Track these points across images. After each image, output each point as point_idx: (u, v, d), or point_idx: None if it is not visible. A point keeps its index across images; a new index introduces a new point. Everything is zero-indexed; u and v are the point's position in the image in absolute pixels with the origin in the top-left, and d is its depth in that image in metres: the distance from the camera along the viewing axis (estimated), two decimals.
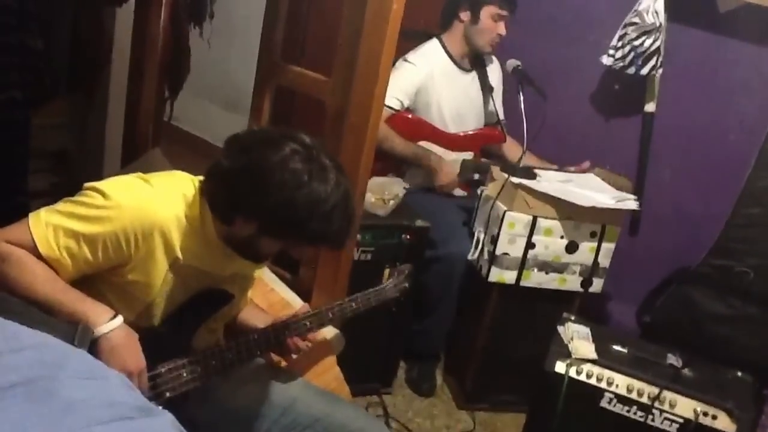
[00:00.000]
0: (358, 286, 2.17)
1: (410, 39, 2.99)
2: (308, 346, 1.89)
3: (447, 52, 3.08)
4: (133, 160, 2.79)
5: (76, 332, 1.37)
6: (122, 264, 1.57)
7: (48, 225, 1.52)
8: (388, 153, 2.93)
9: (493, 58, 3.23)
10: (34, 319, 1.40)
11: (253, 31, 2.75)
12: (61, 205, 1.56)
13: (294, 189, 1.52)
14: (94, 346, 1.46)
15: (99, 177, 1.62)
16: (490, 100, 3.15)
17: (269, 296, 2.30)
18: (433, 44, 3.11)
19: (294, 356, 1.89)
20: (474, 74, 3.14)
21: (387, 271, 2.27)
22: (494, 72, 3.18)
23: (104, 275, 1.59)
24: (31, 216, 1.54)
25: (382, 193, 2.71)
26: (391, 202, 2.73)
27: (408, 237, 2.74)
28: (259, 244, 1.65)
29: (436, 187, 3.04)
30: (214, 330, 1.83)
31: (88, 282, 1.58)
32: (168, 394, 1.62)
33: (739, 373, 2.67)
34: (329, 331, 2.25)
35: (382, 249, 2.69)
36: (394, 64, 2.81)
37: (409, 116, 3.02)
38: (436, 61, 3.07)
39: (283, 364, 2.02)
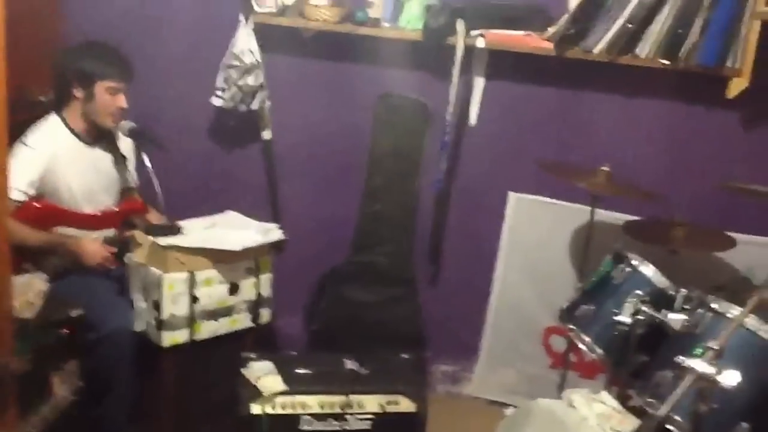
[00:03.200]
0: (27, 397, 2.05)
1: (22, 112, 2.75)
2: None
3: (69, 128, 2.88)
4: None
5: None
6: None
7: None
8: (20, 247, 2.70)
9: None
10: None
11: None
12: None
13: None
14: None
15: None
16: (125, 171, 3.03)
17: None
18: (53, 121, 2.87)
19: None
20: (103, 147, 2.99)
21: (57, 379, 2.16)
22: (124, 140, 3.04)
23: None
24: None
25: (26, 293, 2.52)
26: (38, 300, 2.56)
27: (66, 330, 2.60)
28: None
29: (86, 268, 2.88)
30: None
31: None
32: None
33: (404, 355, 3.00)
34: None
35: (41, 352, 2.50)
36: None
37: (37, 205, 2.79)
38: (59, 140, 2.85)
39: None
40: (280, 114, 3.37)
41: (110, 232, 2.96)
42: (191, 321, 2.78)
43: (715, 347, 1.93)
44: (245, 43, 3.13)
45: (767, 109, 3.09)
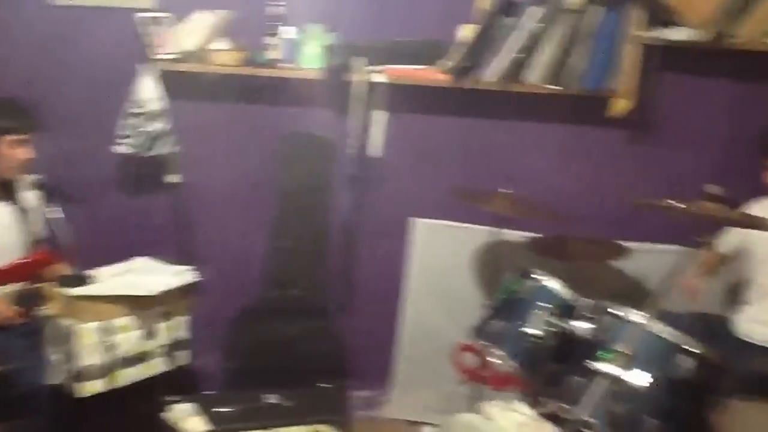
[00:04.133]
0: None
1: None
2: None
3: None
4: None
5: None
6: None
7: None
8: None
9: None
10: None
11: None
12: None
13: None
14: None
15: None
16: (32, 224, 2.99)
17: None
18: None
19: None
20: (8, 202, 2.95)
21: None
22: (30, 193, 3.01)
23: None
24: None
25: None
26: None
27: None
28: None
29: None
30: None
31: None
32: None
33: (323, 384, 3.05)
34: None
35: None
36: None
37: None
38: None
39: None
40: (189, 157, 3.42)
41: (19, 286, 2.91)
42: (108, 369, 2.75)
43: (622, 350, 2.05)
44: (148, 90, 3.17)
45: (651, 126, 3.29)
